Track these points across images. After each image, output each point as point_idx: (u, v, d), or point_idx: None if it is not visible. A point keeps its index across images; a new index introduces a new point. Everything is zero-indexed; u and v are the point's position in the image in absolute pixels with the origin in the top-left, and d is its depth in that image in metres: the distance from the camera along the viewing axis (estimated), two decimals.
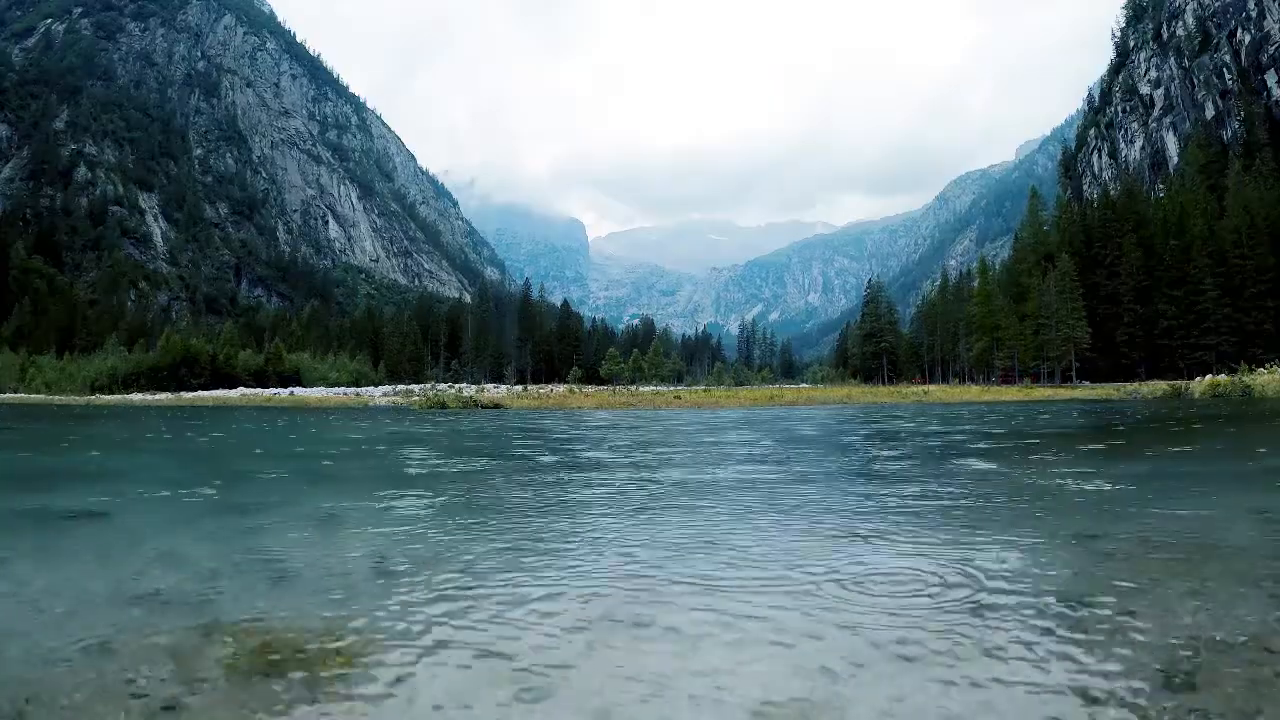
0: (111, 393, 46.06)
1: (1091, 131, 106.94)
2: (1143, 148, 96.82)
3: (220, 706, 1.37)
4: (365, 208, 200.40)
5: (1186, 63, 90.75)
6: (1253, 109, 76.97)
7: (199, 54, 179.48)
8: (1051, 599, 1.98)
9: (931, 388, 40.92)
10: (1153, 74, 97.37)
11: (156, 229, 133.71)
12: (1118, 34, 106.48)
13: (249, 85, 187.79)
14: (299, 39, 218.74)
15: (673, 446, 8.16)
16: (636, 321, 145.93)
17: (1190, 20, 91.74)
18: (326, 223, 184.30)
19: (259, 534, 3.13)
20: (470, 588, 2.19)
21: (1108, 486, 4.42)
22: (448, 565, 2.48)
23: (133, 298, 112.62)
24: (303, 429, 12.83)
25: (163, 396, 38.50)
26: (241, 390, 42.18)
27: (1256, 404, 17.15)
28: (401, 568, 2.45)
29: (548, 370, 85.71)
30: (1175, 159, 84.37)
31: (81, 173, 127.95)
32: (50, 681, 1.51)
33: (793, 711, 1.33)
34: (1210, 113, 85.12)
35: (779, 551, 2.65)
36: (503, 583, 2.25)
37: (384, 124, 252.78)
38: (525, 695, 1.41)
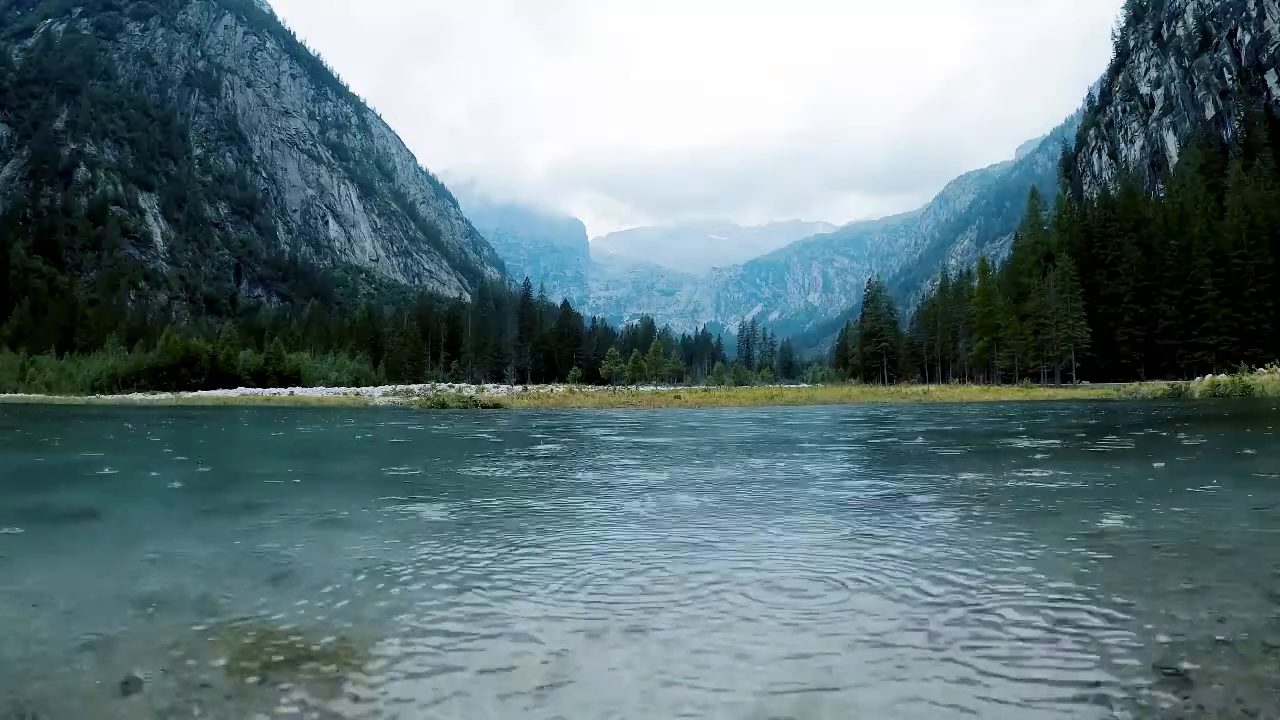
0: (111, 392, 46.04)
1: (1091, 131, 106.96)
2: (1143, 148, 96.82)
3: (220, 706, 1.37)
4: (365, 208, 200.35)
5: (1186, 63, 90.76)
6: (1253, 109, 76.94)
7: (199, 54, 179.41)
8: (1051, 597, 1.99)
9: (931, 387, 40.90)
10: (1153, 74, 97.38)
11: (156, 229, 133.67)
12: (1118, 34, 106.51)
13: (249, 85, 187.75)
14: (299, 39, 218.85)
15: (672, 446, 8.17)
16: (636, 321, 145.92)
17: (1190, 20, 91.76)
18: (326, 223, 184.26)
19: (258, 534, 3.13)
20: (471, 588, 2.19)
21: (1106, 484, 4.42)
22: (448, 565, 2.48)
23: (133, 298, 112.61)
24: (302, 429, 12.83)
25: (163, 396, 38.47)
26: (241, 390, 42.15)
27: (1257, 403, 17.16)
28: (401, 567, 2.45)
29: (548, 370, 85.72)
30: (1175, 159, 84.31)
31: (81, 173, 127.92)
32: (50, 681, 1.50)
33: (793, 711, 1.33)
34: (1210, 113, 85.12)
35: (779, 550, 2.65)
36: (503, 582, 2.25)
37: (384, 124, 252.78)
38: (526, 695, 1.41)
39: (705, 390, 43.40)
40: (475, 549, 2.74)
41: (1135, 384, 35.99)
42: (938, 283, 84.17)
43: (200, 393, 40.58)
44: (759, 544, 2.78)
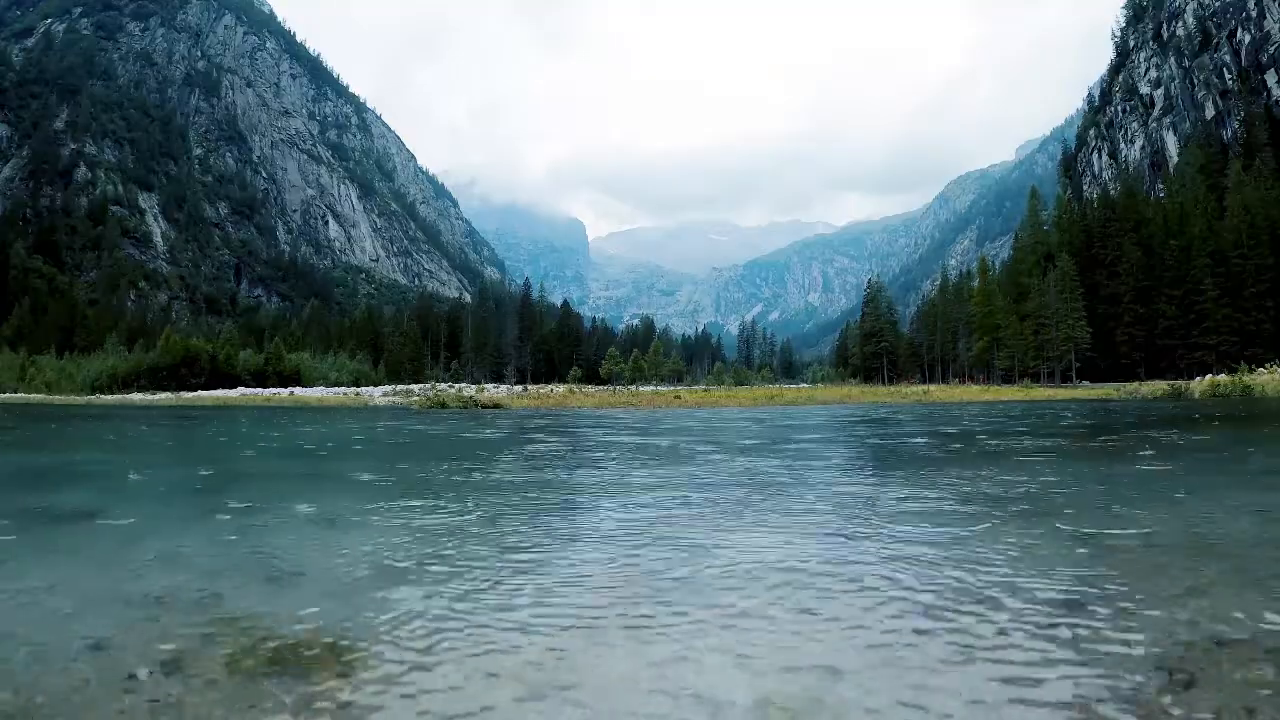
0: (111, 392, 46.03)
1: (1091, 131, 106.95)
2: (1143, 148, 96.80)
3: (220, 706, 1.37)
4: (365, 208, 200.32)
5: (1186, 63, 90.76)
6: (1253, 109, 76.93)
7: (199, 54, 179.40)
8: (1050, 598, 1.99)
9: (931, 388, 40.89)
10: (1153, 74, 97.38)
11: (156, 229, 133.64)
12: (1118, 34, 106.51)
13: (249, 85, 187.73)
14: (299, 39, 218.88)
15: (672, 446, 8.16)
16: (636, 321, 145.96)
17: (1190, 20, 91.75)
18: (326, 223, 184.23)
19: (259, 533, 3.13)
20: (470, 588, 2.19)
21: (1105, 484, 4.42)
22: (448, 565, 2.48)
23: (133, 298, 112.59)
24: (302, 429, 12.82)
25: (163, 396, 38.46)
26: (241, 390, 42.13)
27: (1257, 403, 17.16)
28: (402, 568, 2.45)
29: (548, 370, 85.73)
30: (1175, 159, 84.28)
31: (81, 173, 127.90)
32: (50, 681, 1.51)
33: (793, 711, 1.33)
34: (1210, 113, 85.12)
35: (778, 550, 2.65)
36: (503, 583, 2.26)
37: (384, 124, 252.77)
38: (525, 695, 1.41)
39: (705, 390, 43.38)
40: (474, 549, 2.74)
41: (1135, 384, 35.97)
42: (938, 283, 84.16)
43: (200, 393, 40.56)
44: (757, 544, 2.78)
